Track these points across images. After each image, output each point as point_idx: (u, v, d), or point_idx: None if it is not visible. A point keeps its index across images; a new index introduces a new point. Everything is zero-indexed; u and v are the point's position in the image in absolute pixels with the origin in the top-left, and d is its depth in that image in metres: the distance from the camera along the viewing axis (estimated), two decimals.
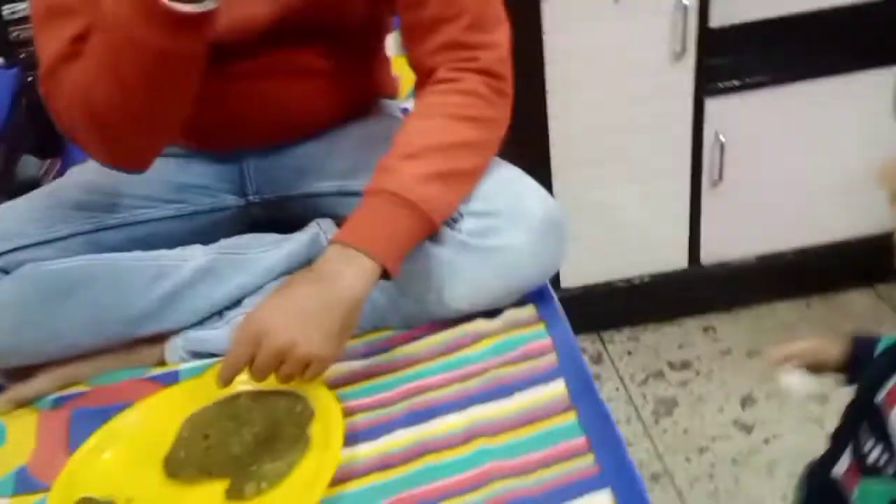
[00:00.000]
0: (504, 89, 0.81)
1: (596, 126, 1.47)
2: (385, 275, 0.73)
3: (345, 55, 0.89)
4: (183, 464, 0.70)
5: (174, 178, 0.92)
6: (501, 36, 0.81)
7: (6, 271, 0.80)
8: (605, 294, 1.61)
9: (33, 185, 1.26)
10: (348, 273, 0.70)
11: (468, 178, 0.79)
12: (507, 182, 0.81)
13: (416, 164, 0.75)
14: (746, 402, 1.47)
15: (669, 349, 1.60)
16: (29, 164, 1.29)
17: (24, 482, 0.73)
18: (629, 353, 1.62)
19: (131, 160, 0.81)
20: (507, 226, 0.78)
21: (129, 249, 0.87)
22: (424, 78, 0.81)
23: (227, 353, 0.69)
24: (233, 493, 0.67)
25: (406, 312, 0.83)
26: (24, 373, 0.84)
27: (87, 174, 0.92)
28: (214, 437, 0.72)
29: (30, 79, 1.30)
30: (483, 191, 0.80)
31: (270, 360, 0.67)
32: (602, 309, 1.60)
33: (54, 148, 1.30)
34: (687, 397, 1.50)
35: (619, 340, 1.64)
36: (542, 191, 0.81)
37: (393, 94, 1.07)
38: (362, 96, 0.97)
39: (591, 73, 1.42)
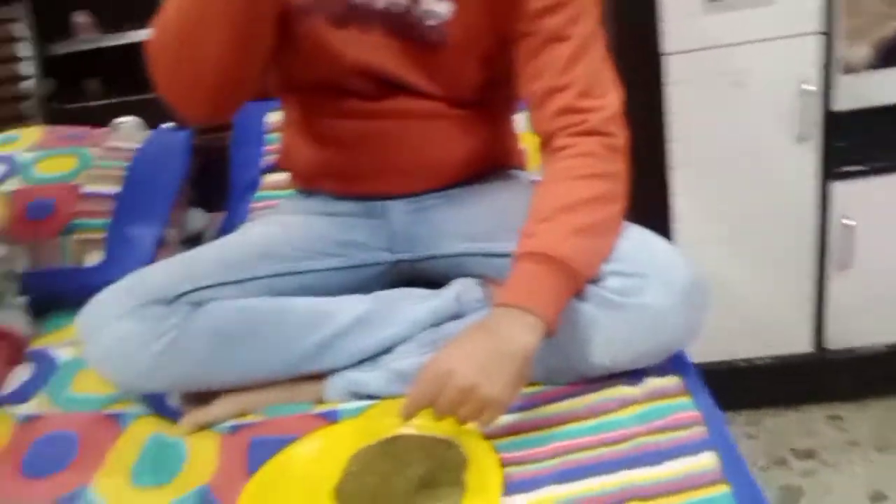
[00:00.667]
0: (616, 144, 0.87)
1: (719, 205, 1.48)
2: (546, 332, 0.77)
3: (474, 112, 0.97)
4: (353, 497, 0.75)
5: (338, 235, 1.01)
6: (612, 98, 0.88)
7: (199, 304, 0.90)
8: (725, 373, 1.58)
9: (199, 236, 1.40)
10: (518, 330, 0.75)
11: (604, 230, 0.85)
12: (649, 244, 0.86)
13: (553, 225, 0.82)
14: (876, 498, 1.39)
15: (793, 436, 1.55)
16: (195, 217, 1.42)
17: (206, 501, 0.80)
18: (750, 436, 1.57)
19: (192, 109, 0.87)
20: (652, 286, 0.81)
21: (297, 295, 0.95)
22: (546, 143, 0.89)
23: (412, 391, 0.75)
24: None
25: (550, 366, 0.86)
26: (200, 398, 0.92)
27: (268, 227, 1.01)
28: (380, 476, 0.77)
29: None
30: (627, 251, 0.84)
31: (454, 399, 0.72)
32: (722, 389, 1.57)
33: (219, 202, 1.43)
34: (814, 488, 1.43)
35: (738, 423, 1.60)
36: (684, 255, 0.85)
37: (521, 166, 1.14)
38: (492, 154, 1.03)
39: (715, 154, 1.45)
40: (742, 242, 1.51)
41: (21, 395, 1.03)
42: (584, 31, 0.87)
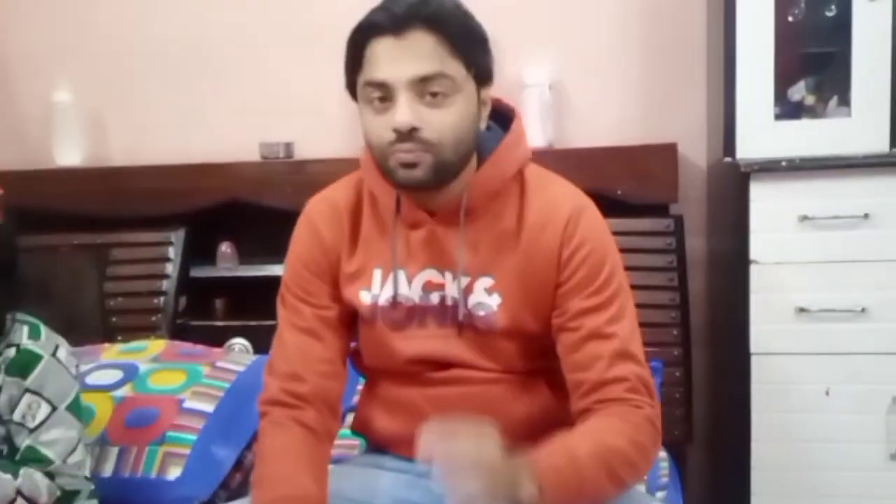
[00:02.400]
0: (643, 411, 0.91)
1: None
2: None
3: (532, 376, 1.00)
4: None
5: (397, 493, 1.03)
6: (650, 394, 0.92)
7: None
8: None
9: None
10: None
11: (608, 481, 0.87)
12: None
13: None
14: None
15: None
16: None
17: None
18: None
19: None
20: None
21: None
22: (577, 416, 0.93)
23: None
24: None
25: None
26: None
27: (331, 476, 1.04)
28: None
29: None
30: None
31: None
32: None
33: None
34: None
35: None
36: None
37: None
38: (556, 415, 1.02)
39: (800, 463, 1.40)
40: None
41: None
42: (622, 331, 0.92)
